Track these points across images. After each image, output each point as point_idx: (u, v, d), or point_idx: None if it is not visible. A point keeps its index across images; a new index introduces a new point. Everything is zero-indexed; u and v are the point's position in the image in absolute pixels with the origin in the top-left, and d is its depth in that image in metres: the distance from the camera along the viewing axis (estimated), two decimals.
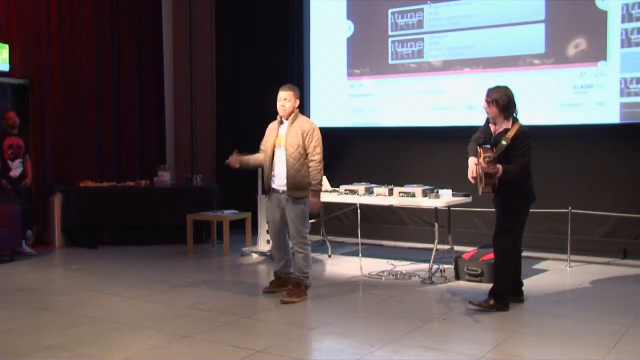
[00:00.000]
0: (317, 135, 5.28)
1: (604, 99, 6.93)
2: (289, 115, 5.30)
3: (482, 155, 4.80)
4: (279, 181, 5.29)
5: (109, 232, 8.11)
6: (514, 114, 4.98)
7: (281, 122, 5.37)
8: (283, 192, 5.27)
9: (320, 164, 5.27)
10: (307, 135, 5.22)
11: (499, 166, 4.76)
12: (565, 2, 7.07)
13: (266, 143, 5.41)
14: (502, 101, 4.88)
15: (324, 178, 6.90)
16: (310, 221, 7.06)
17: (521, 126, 4.93)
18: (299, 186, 5.22)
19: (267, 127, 5.50)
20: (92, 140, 8.58)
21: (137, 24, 9.11)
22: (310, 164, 5.24)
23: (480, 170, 4.85)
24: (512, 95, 4.95)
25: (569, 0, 7.04)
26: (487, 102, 4.95)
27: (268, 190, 5.41)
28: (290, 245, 5.49)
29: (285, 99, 5.30)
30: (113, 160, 8.88)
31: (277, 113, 5.38)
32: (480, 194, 5.01)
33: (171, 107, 9.65)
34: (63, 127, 8.26)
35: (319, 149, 5.25)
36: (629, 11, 6.74)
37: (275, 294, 5.41)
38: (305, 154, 5.22)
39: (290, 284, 5.39)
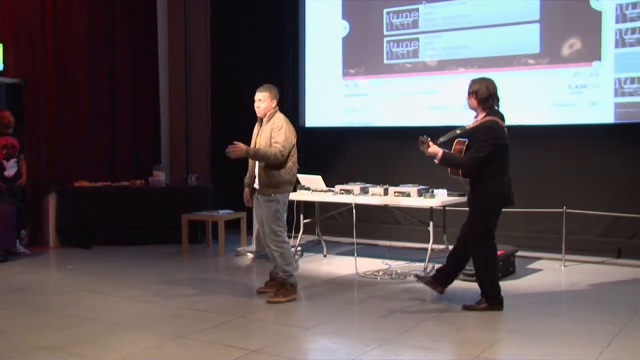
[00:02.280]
0: (285, 129, 5.14)
1: (598, 99, 6.95)
2: (265, 115, 5.27)
3: (453, 147, 4.88)
4: (257, 181, 5.31)
5: (103, 232, 8.09)
6: (494, 108, 4.90)
7: (260, 123, 5.34)
8: (257, 191, 5.29)
9: (277, 156, 5.05)
10: (275, 129, 5.15)
11: (437, 149, 4.78)
12: (559, 2, 7.09)
13: (251, 144, 5.39)
14: (481, 93, 4.84)
15: (319, 178, 6.93)
16: (305, 221, 7.13)
17: (489, 120, 4.81)
18: (269, 184, 5.18)
19: None
20: (86, 140, 8.56)
21: (131, 24, 9.09)
22: (271, 148, 5.08)
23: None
24: (494, 88, 4.88)
25: (564, 0, 7.06)
26: (469, 93, 4.93)
27: (252, 191, 5.42)
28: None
29: (260, 99, 5.25)
30: (108, 160, 8.85)
31: None
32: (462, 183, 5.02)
33: (166, 106, 9.63)
34: (58, 127, 8.23)
35: (281, 138, 5.07)
36: (623, 11, 6.76)
37: (269, 294, 5.40)
38: None
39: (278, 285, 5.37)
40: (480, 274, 5.00)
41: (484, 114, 4.88)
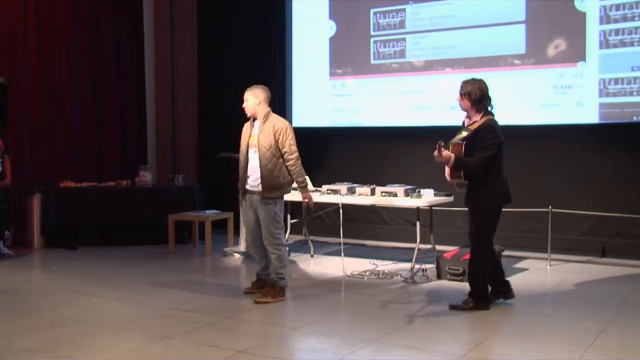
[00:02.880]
0: (291, 133, 5.23)
1: (583, 99, 7.00)
2: (252, 115, 5.26)
3: (450, 149, 4.82)
4: (252, 182, 5.26)
5: (89, 233, 8.03)
6: (487, 108, 4.93)
7: (253, 123, 5.33)
8: (257, 192, 5.23)
9: (299, 160, 5.25)
10: (280, 134, 5.17)
11: (449, 154, 4.74)
12: (545, 3, 7.13)
13: (241, 144, 5.38)
14: (474, 94, 4.85)
15: (307, 178, 6.91)
16: (292, 221, 7.12)
17: (489, 119, 4.86)
18: (272, 187, 5.18)
19: None
20: (72, 140, 8.50)
21: (117, 22, 9.03)
22: (289, 163, 5.20)
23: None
24: (486, 88, 4.91)
25: (549, 1, 7.11)
26: (461, 94, 4.92)
27: (243, 192, 5.36)
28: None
29: (245, 99, 5.28)
30: (93, 160, 8.80)
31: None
32: (448, 180, 5.01)
33: (152, 107, 9.59)
34: (42, 127, 8.17)
35: (294, 147, 5.22)
36: (607, 13, 6.82)
37: (256, 294, 5.39)
38: (278, 154, 5.18)
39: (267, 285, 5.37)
40: (474, 272, 5.02)
41: (480, 115, 4.90)
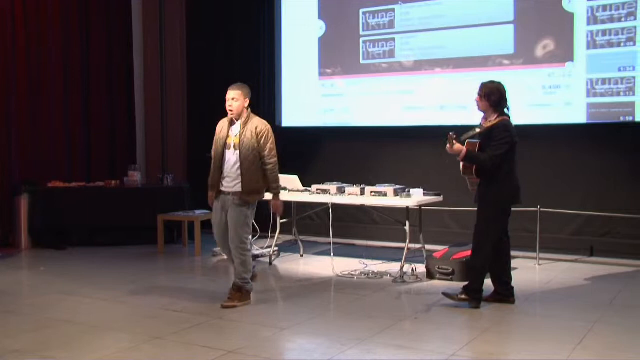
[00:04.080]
0: (272, 137, 5.16)
1: (571, 99, 7.05)
2: (238, 115, 5.13)
3: (466, 147, 4.94)
4: (228, 183, 5.12)
5: (77, 233, 7.97)
6: (505, 110, 5.05)
7: (232, 122, 5.20)
8: (231, 194, 5.09)
9: (277, 166, 5.20)
10: (262, 136, 5.09)
11: (461, 147, 4.87)
12: (533, 3, 7.17)
13: (216, 143, 5.22)
14: (494, 96, 4.97)
15: (296, 178, 6.92)
16: (282, 221, 7.12)
17: (504, 119, 4.98)
18: (253, 190, 5.09)
19: None
20: (60, 140, 8.45)
21: (106, 21, 8.99)
22: (268, 167, 5.12)
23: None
24: (505, 91, 5.04)
25: (537, 1, 7.15)
26: (480, 95, 5.03)
27: (216, 193, 5.19)
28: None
29: (234, 98, 5.12)
30: (82, 160, 8.74)
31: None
32: (469, 184, 5.12)
33: (141, 106, 9.54)
34: (30, 126, 8.11)
35: (274, 152, 5.16)
36: (594, 14, 6.87)
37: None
38: (259, 157, 5.10)
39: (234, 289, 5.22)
40: (474, 267, 5.07)
41: (495, 115, 5.00)
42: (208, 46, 9.22)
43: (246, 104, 5.16)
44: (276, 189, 5.23)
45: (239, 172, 5.08)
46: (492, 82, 5.08)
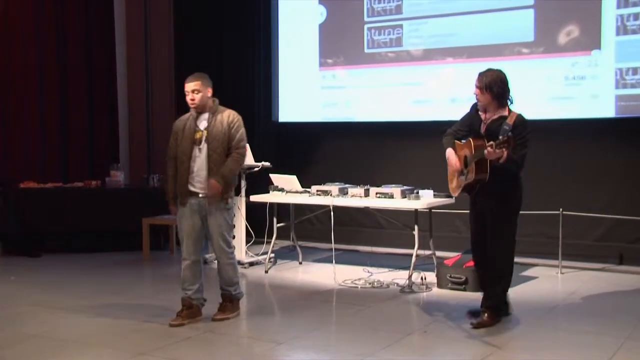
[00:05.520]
0: (243, 128, 5.11)
1: (598, 91, 7.01)
2: (203, 106, 5.04)
3: (472, 145, 4.76)
4: (200, 184, 5.02)
5: (54, 239, 7.95)
6: (509, 101, 4.92)
7: (197, 117, 5.11)
8: (210, 197, 4.97)
9: (243, 159, 5.13)
10: (234, 125, 5.03)
11: (503, 150, 4.56)
12: None
13: (181, 142, 5.11)
14: (497, 87, 4.81)
15: (294, 178, 6.90)
16: (279, 225, 7.09)
17: (520, 115, 4.86)
18: (228, 189, 5.03)
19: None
20: (34, 137, 8.46)
21: (85, 12, 8.99)
22: (235, 157, 5.01)
23: (470, 160, 4.76)
24: (507, 79, 4.88)
25: None
26: (479, 88, 4.85)
27: (184, 196, 5.06)
28: (213, 257, 5.25)
29: (194, 90, 5.03)
30: (59, 158, 8.74)
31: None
32: (457, 191, 4.99)
33: (125, 99, 9.54)
34: (0, 122, 8.10)
35: (243, 143, 5.10)
36: None
37: (186, 326, 4.97)
38: (227, 148, 5.02)
39: (222, 301, 5.18)
40: (498, 280, 4.95)
41: (504, 109, 4.88)
42: (198, 33, 9.18)
43: (209, 94, 5.08)
44: (227, 174, 5.00)
45: (208, 166, 4.97)
46: (490, 70, 4.90)
